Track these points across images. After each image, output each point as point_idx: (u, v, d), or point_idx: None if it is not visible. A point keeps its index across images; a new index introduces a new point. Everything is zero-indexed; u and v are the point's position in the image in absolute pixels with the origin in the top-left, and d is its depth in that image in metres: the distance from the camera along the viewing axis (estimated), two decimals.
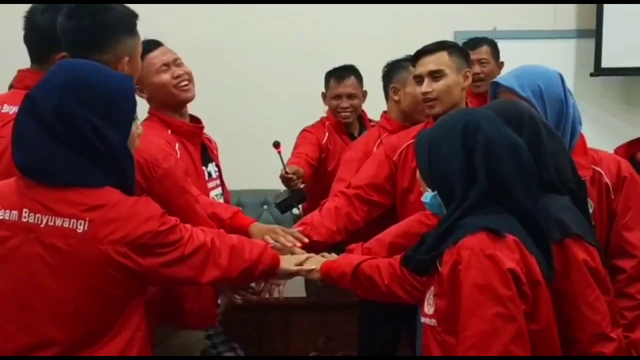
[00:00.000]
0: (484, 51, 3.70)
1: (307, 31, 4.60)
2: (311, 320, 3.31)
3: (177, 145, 2.43)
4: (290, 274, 2.22)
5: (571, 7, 4.89)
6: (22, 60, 2.25)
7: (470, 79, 2.65)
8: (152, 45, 2.52)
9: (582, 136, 2.26)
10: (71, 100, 1.65)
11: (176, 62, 2.56)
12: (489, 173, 1.65)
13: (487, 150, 1.67)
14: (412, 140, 2.67)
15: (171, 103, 2.55)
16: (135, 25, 2.03)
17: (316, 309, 3.30)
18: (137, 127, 1.79)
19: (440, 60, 2.59)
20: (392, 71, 3.06)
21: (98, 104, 1.66)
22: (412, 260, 1.75)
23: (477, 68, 3.56)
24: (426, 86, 2.57)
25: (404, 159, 2.68)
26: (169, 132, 2.52)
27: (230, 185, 3.24)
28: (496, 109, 1.90)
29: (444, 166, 1.71)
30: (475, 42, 3.72)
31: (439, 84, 2.57)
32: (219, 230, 1.99)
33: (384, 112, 3.18)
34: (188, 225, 1.83)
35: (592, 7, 4.76)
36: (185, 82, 2.54)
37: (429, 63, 2.59)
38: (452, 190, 1.69)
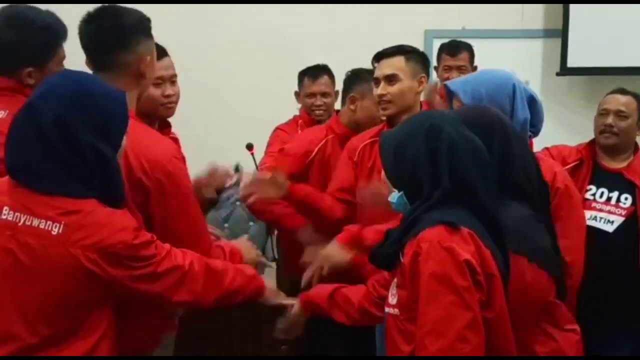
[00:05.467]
0: (464, 58, 3.80)
1: (279, 30, 4.62)
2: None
3: None
4: (272, 306, 2.29)
5: (539, 8, 4.97)
6: None
7: (425, 84, 2.77)
8: (158, 53, 2.51)
9: (530, 143, 2.33)
10: (72, 112, 1.68)
11: (171, 79, 2.56)
12: (452, 173, 1.71)
13: (450, 152, 1.72)
14: (369, 141, 2.81)
15: (149, 113, 2.55)
16: (150, 27, 2.07)
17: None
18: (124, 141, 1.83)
19: (396, 65, 2.70)
20: (354, 79, 3.10)
21: (96, 118, 1.70)
22: (377, 256, 1.82)
23: (455, 74, 3.69)
24: (381, 89, 2.70)
25: (361, 159, 2.80)
26: None
27: None
28: (467, 114, 1.96)
29: (410, 168, 1.76)
30: (456, 48, 3.81)
31: (394, 88, 2.68)
32: (203, 257, 1.96)
33: (337, 112, 3.22)
34: (166, 245, 1.84)
35: (559, 8, 4.85)
36: (172, 104, 2.57)
37: (386, 67, 2.71)
38: (417, 190, 1.74)
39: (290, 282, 3.18)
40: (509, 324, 1.74)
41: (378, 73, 2.73)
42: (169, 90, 2.54)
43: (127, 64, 1.98)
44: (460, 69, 3.78)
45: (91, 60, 2.01)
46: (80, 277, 1.69)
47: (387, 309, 1.81)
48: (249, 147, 3.07)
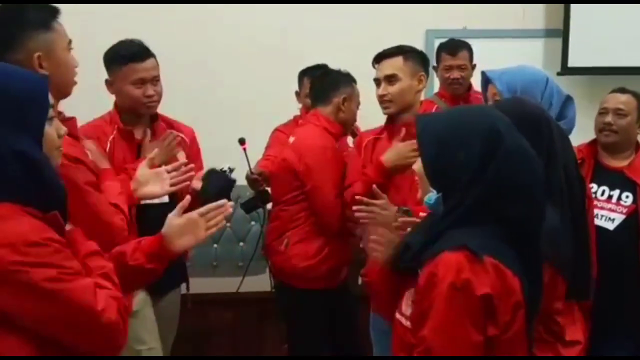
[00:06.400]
0: (464, 57, 3.89)
1: (280, 30, 4.61)
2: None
3: (110, 138, 2.63)
4: None
5: (540, 7, 4.97)
6: None
7: (424, 82, 2.83)
8: (141, 55, 2.63)
9: None
10: None
11: (153, 80, 2.65)
12: (499, 182, 1.57)
13: (505, 161, 1.58)
14: (372, 137, 2.90)
15: (132, 111, 2.69)
16: (50, 20, 2.00)
17: None
18: (58, 128, 1.64)
19: (395, 65, 2.78)
20: (342, 81, 3.16)
21: (4, 108, 1.50)
22: (396, 265, 1.72)
23: (456, 73, 3.84)
24: (382, 89, 2.78)
25: (364, 155, 2.87)
26: (115, 127, 2.67)
27: None
28: (512, 110, 1.88)
29: (457, 171, 1.59)
30: (455, 47, 3.89)
31: (394, 88, 2.76)
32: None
33: (315, 110, 3.19)
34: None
35: (559, 8, 4.86)
36: (154, 102, 2.67)
37: (386, 67, 2.79)
38: (458, 193, 1.60)
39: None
40: (525, 346, 1.66)
41: (378, 74, 2.81)
42: (150, 91, 2.64)
43: (19, 63, 1.84)
44: (461, 68, 3.84)
45: None
46: None
47: (398, 315, 1.73)
48: (242, 141, 3.08)
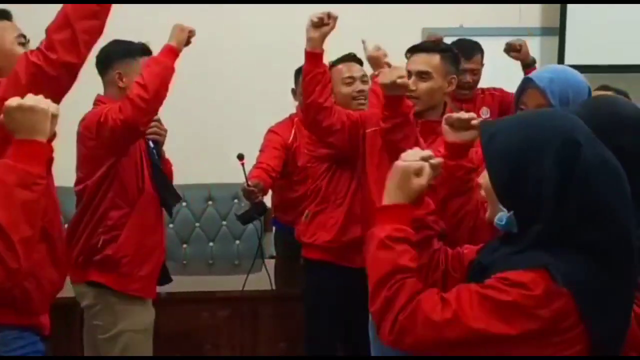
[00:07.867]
0: (477, 61, 3.70)
1: (275, 27, 4.61)
2: (280, 312, 3.37)
3: None
4: None
5: (536, 6, 4.99)
6: None
7: (454, 85, 2.75)
8: (149, 50, 2.68)
9: None
10: None
11: None
12: (578, 202, 1.41)
13: (586, 178, 1.41)
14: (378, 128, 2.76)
15: None
16: None
17: (284, 300, 3.36)
18: None
19: (431, 63, 2.67)
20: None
21: None
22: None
23: (468, 77, 3.60)
24: (412, 84, 2.63)
25: (370, 141, 2.79)
26: None
27: (200, 179, 3.24)
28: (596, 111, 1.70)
29: (532, 190, 1.43)
30: (472, 50, 3.68)
31: (424, 85, 2.66)
32: None
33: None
34: None
35: (556, 6, 4.86)
36: None
37: (420, 63, 2.68)
38: (532, 213, 1.43)
39: (288, 276, 3.20)
40: None
41: (411, 67, 2.69)
42: None
43: None
44: (474, 72, 3.67)
45: None
46: None
47: None
48: (240, 157, 3.07)
